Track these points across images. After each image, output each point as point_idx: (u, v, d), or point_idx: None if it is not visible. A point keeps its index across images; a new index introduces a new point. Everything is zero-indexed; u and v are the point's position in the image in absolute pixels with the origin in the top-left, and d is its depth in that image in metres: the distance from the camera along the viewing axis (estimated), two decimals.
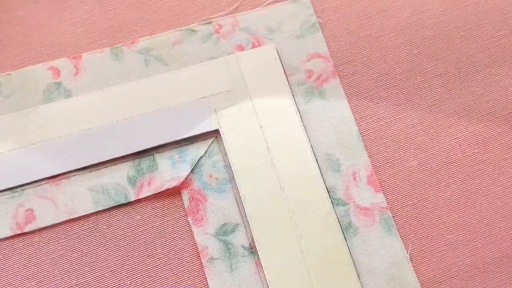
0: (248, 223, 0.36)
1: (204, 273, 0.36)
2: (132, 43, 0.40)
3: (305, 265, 0.35)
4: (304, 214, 0.36)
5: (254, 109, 0.38)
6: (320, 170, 0.38)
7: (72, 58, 0.40)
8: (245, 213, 0.36)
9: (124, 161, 0.37)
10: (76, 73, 0.39)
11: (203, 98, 0.39)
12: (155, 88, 0.39)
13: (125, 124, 0.38)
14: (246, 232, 0.36)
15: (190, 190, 0.37)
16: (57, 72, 0.39)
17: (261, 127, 0.38)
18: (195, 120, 0.38)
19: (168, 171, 0.37)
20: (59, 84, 0.39)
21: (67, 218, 0.36)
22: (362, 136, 0.39)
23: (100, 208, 0.37)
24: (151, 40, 0.40)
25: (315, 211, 0.36)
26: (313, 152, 0.38)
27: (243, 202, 0.36)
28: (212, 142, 0.38)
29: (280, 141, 0.38)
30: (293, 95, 0.39)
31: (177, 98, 0.38)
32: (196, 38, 0.41)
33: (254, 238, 0.35)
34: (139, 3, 0.42)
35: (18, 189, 0.37)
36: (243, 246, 0.36)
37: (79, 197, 0.36)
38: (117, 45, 0.40)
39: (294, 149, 0.38)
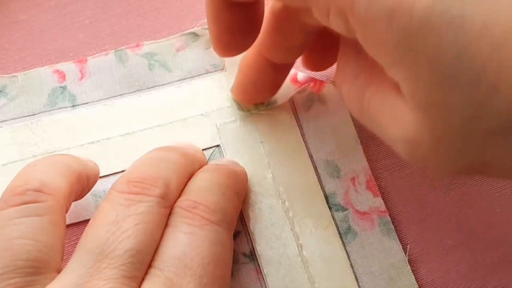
0: (248, 231, 0.36)
1: None
2: (137, 46, 0.40)
3: (306, 275, 0.35)
4: (305, 227, 0.36)
5: (254, 124, 0.39)
6: (320, 178, 0.38)
7: (78, 62, 0.39)
8: (246, 223, 0.37)
9: None
10: (81, 77, 0.39)
11: (204, 113, 0.39)
12: (157, 103, 0.39)
13: (127, 139, 0.38)
14: (247, 239, 0.36)
15: None
16: (62, 75, 0.39)
17: (261, 142, 0.38)
18: (197, 135, 0.38)
19: None
20: (64, 88, 0.39)
21: (70, 223, 0.36)
22: (361, 141, 0.39)
23: None
24: (156, 44, 0.40)
25: (315, 223, 0.36)
26: (313, 160, 0.38)
27: (244, 218, 0.37)
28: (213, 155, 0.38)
29: (280, 155, 0.38)
30: (293, 103, 0.39)
31: (179, 113, 0.39)
32: (199, 43, 0.41)
33: (256, 251, 0.36)
34: (140, 9, 0.42)
35: None
36: (243, 254, 0.36)
37: (82, 203, 0.36)
38: (121, 48, 0.40)
39: (294, 163, 0.38)
